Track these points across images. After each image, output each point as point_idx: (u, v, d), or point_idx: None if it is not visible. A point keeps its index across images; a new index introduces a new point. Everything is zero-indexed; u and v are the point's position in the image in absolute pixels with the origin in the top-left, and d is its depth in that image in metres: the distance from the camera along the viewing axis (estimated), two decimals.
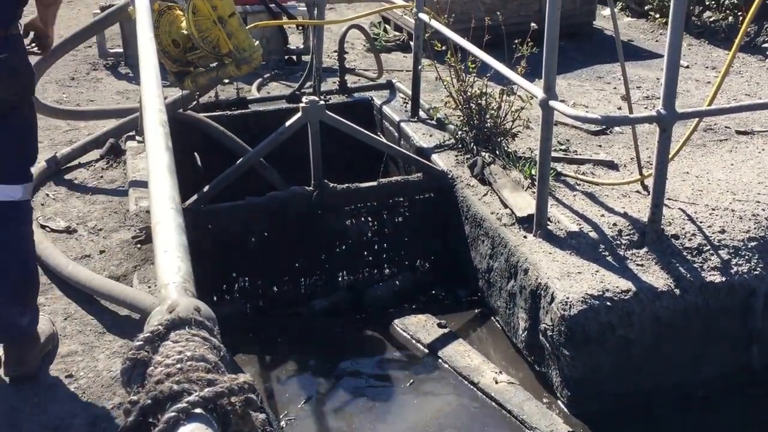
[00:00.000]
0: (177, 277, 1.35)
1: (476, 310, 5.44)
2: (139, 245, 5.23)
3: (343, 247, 5.76)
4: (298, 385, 4.93)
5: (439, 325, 5.23)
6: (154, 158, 1.71)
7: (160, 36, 5.28)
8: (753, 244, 4.54)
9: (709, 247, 4.51)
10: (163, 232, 1.46)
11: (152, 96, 2.03)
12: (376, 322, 5.43)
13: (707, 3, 9.27)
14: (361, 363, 5.13)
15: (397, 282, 5.79)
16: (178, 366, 1.08)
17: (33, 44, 4.38)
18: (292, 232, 5.56)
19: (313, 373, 5.05)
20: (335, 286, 5.76)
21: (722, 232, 4.61)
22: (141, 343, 1.15)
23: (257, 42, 5.52)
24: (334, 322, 5.48)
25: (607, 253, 4.52)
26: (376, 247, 5.83)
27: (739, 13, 8.88)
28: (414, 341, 5.16)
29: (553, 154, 5.04)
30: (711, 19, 9.18)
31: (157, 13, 5.31)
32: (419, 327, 5.23)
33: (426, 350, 5.07)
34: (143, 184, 5.75)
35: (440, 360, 4.95)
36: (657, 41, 9.27)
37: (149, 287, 4.74)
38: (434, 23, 6.05)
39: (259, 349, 5.16)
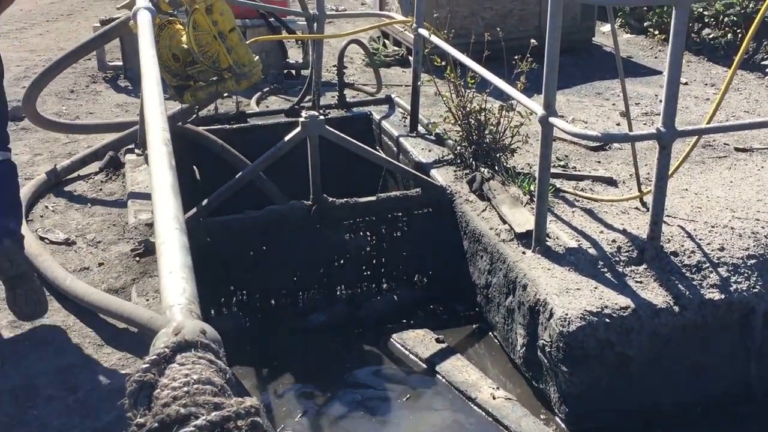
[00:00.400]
0: (182, 299, 1.35)
1: (474, 326, 5.44)
2: (137, 258, 5.23)
3: (342, 262, 5.76)
4: (296, 398, 4.92)
5: (437, 340, 5.23)
6: (158, 178, 1.71)
7: (160, 50, 5.30)
8: (752, 261, 4.55)
9: (708, 265, 4.51)
10: (167, 252, 1.45)
11: (155, 114, 2.03)
12: (374, 337, 5.43)
13: (706, 20, 9.31)
14: (359, 377, 5.13)
15: (396, 297, 5.79)
16: (185, 389, 1.08)
17: None
18: (290, 246, 5.56)
19: (311, 387, 5.04)
20: (333, 301, 5.76)
21: (721, 249, 4.61)
22: (147, 365, 1.14)
23: (257, 57, 5.54)
24: (332, 336, 5.48)
25: (606, 270, 4.53)
26: (374, 261, 5.83)
27: (738, 31, 8.92)
28: (412, 356, 5.15)
29: (552, 170, 5.05)
30: (710, 36, 9.22)
31: (158, 27, 5.32)
32: (417, 342, 5.23)
33: (423, 365, 5.06)
34: (142, 197, 5.75)
35: (438, 375, 4.95)
36: (656, 58, 9.30)
37: (147, 300, 4.74)
38: (434, 38, 6.07)
39: (257, 363, 5.15)
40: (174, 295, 1.35)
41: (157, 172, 1.73)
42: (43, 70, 6.48)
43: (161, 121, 1.95)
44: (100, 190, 6.22)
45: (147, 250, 5.24)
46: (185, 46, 5.46)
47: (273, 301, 5.67)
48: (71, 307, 4.70)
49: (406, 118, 6.91)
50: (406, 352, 5.19)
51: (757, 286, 4.44)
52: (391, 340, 5.32)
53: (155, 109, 2.07)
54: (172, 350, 1.16)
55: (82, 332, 4.50)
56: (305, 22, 8.22)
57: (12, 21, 7.42)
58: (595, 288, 4.37)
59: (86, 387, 4.05)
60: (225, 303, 5.56)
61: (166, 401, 1.07)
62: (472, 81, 5.76)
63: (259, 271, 5.56)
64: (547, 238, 4.77)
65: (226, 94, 7.04)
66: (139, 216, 5.56)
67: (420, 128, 6.67)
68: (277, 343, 5.38)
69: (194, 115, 6.47)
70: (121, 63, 9.05)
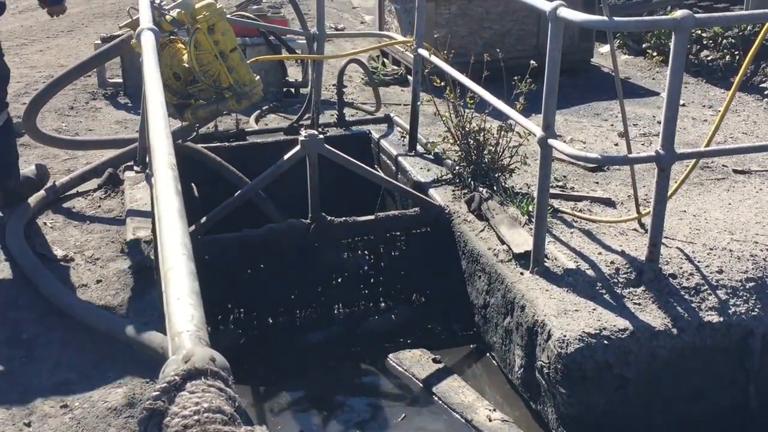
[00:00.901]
0: (190, 326, 1.35)
1: (472, 346, 5.43)
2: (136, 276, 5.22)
3: (340, 280, 5.76)
4: (292, 416, 4.92)
5: (434, 360, 5.22)
6: (165, 203, 1.71)
7: (161, 68, 5.31)
8: (751, 284, 4.55)
9: (706, 287, 4.52)
10: (175, 278, 1.46)
11: (161, 137, 2.03)
12: (371, 356, 5.42)
13: (705, 42, 9.35)
14: (355, 397, 5.12)
15: (393, 316, 5.79)
16: (196, 417, 1.08)
17: None
18: (288, 264, 5.56)
19: (307, 406, 5.04)
20: (331, 319, 5.76)
21: (720, 272, 4.62)
22: (158, 393, 1.15)
23: (257, 77, 5.56)
24: (329, 354, 5.47)
25: (604, 291, 4.53)
26: (372, 280, 5.83)
27: (736, 53, 8.95)
28: (408, 376, 5.15)
29: (550, 190, 5.05)
30: (708, 58, 9.25)
31: (159, 45, 5.34)
32: (414, 362, 5.23)
33: (420, 385, 5.06)
34: (141, 214, 5.74)
35: (434, 396, 4.94)
36: (654, 79, 9.33)
37: (145, 318, 4.73)
38: (433, 59, 6.08)
39: (254, 380, 5.14)
40: (182, 322, 1.35)
41: (163, 197, 1.73)
42: (44, 88, 6.49)
43: (167, 145, 1.95)
44: (99, 206, 6.21)
45: (145, 268, 5.24)
46: (186, 65, 5.48)
47: (270, 319, 5.67)
48: (69, 323, 4.69)
49: (404, 137, 6.91)
50: (403, 372, 5.18)
51: (756, 309, 4.44)
52: (388, 359, 5.31)
53: (161, 132, 2.07)
54: (182, 378, 1.17)
55: (79, 349, 4.49)
56: (305, 41, 8.24)
57: (12, 37, 7.43)
58: (594, 309, 4.38)
59: (83, 405, 4.04)
60: (222, 320, 5.56)
61: (177, 429, 1.07)
62: (471, 101, 5.77)
63: (257, 288, 5.56)
64: (546, 259, 4.78)
65: (225, 112, 7.06)
66: (137, 233, 5.55)
67: (419, 147, 6.68)
68: (274, 360, 5.38)
69: (194, 133, 6.48)
70: (121, 80, 9.05)
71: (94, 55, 6.80)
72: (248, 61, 5.79)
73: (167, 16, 5.49)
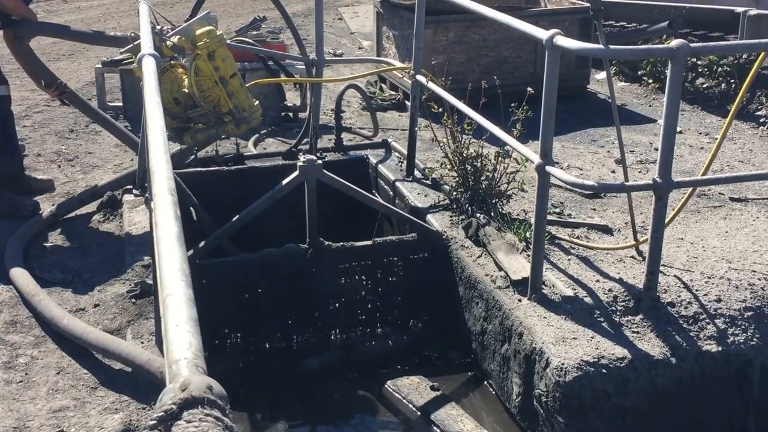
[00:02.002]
0: (188, 353, 1.35)
1: (469, 373, 5.40)
2: (133, 300, 5.22)
3: (337, 306, 5.75)
4: None
5: (432, 388, 5.19)
6: (164, 228, 1.71)
7: (161, 93, 5.34)
8: (749, 313, 4.54)
9: (705, 316, 4.51)
10: (173, 304, 1.46)
11: (161, 162, 2.04)
12: (367, 382, 5.39)
13: (700, 70, 9.39)
14: (352, 424, 5.09)
15: (390, 342, 5.77)
16: None
17: None
18: (285, 289, 5.55)
19: None
20: (328, 344, 5.74)
21: (718, 300, 4.61)
22: (154, 422, 1.14)
23: (257, 102, 5.59)
24: (326, 380, 5.44)
25: (602, 319, 4.52)
26: (369, 306, 5.82)
27: (732, 81, 8.99)
28: (406, 403, 5.12)
29: (548, 216, 5.05)
30: (704, 86, 9.29)
31: (160, 70, 5.37)
32: (412, 389, 5.20)
33: (418, 413, 5.03)
34: (139, 238, 5.75)
35: (432, 423, 4.91)
36: (650, 106, 9.37)
37: (142, 343, 4.73)
38: (431, 85, 6.10)
39: (250, 407, 5.12)
40: (180, 349, 1.35)
41: (162, 223, 1.73)
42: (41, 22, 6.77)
43: (167, 170, 1.96)
44: (98, 230, 6.23)
45: (143, 292, 5.24)
46: (186, 91, 5.51)
47: (267, 344, 5.65)
48: (66, 347, 4.69)
49: (402, 162, 6.92)
50: (401, 399, 5.16)
51: (755, 339, 4.43)
52: (386, 386, 5.28)
53: (161, 157, 2.08)
54: (179, 407, 1.16)
55: (76, 374, 4.48)
56: (303, 66, 8.28)
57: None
58: (592, 337, 4.37)
59: (79, 430, 4.02)
60: (219, 345, 5.54)
61: None
62: (469, 127, 5.79)
63: (254, 313, 5.55)
64: (543, 286, 4.77)
65: (224, 136, 7.08)
66: (135, 257, 5.56)
67: (416, 173, 6.68)
68: (271, 386, 5.35)
69: (192, 156, 6.50)
70: (121, 104, 9.07)
71: (96, 33, 6.98)
72: (247, 85, 5.83)
73: (168, 42, 5.52)
